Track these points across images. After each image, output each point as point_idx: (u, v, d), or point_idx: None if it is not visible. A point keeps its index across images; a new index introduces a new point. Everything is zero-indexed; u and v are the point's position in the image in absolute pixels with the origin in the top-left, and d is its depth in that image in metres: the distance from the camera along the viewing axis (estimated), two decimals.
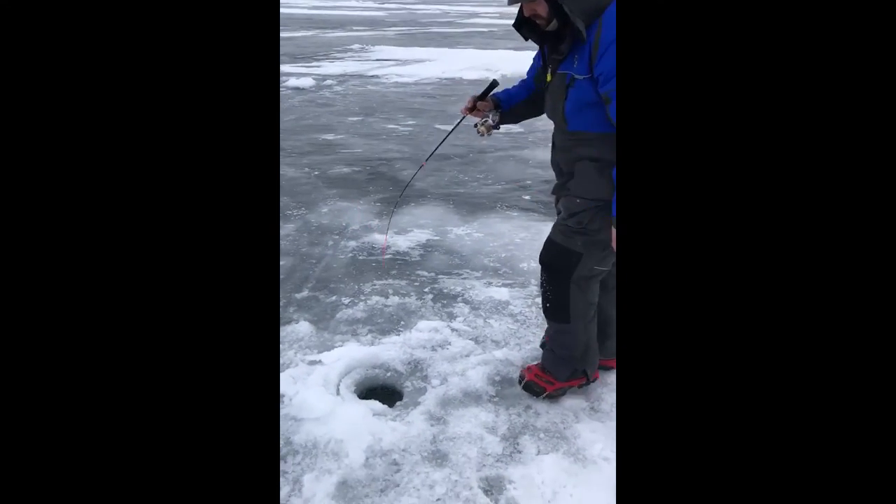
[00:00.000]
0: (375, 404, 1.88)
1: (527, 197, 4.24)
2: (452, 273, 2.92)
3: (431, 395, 1.94)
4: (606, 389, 1.97)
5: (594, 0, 1.45)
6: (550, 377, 1.88)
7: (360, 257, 3.12)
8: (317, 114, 7.43)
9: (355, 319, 2.45)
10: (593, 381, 1.93)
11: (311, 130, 6.42)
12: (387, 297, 2.64)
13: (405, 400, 1.95)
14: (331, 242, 3.32)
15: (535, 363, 1.96)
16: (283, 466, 1.64)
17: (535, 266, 3.00)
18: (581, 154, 1.63)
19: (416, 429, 1.77)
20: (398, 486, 1.57)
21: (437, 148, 2.19)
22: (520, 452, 1.71)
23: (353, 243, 3.30)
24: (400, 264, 3.03)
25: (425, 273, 2.92)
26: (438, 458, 1.67)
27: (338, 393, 1.94)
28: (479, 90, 1.84)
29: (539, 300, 2.63)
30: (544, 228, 3.52)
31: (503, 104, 1.87)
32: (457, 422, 1.81)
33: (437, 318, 2.46)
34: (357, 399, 1.92)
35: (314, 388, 1.91)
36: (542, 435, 1.78)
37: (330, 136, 6.15)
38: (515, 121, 1.95)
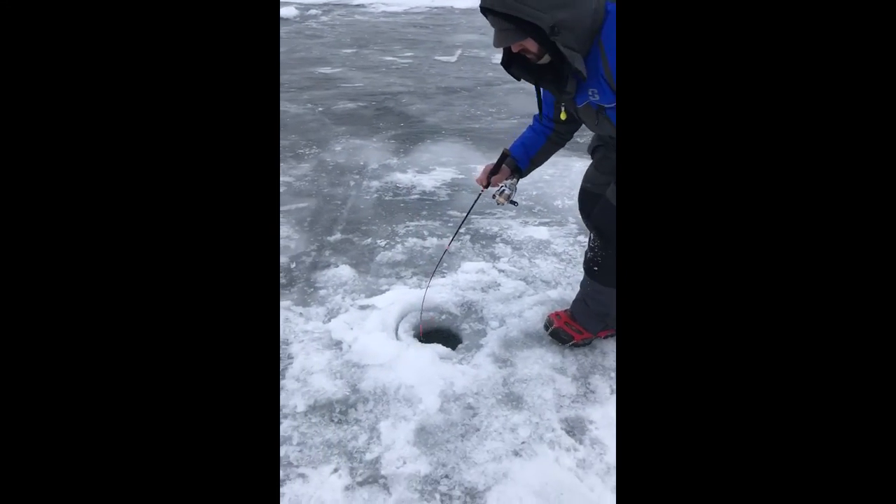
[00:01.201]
0: (439, 348, 1.82)
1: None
2: (485, 213, 2.82)
3: (492, 337, 1.89)
4: None
5: (586, 23, 1.27)
6: (580, 327, 1.82)
7: (387, 198, 2.99)
8: (307, 46, 7.02)
9: (396, 262, 2.36)
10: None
11: (305, 64, 6.07)
12: (424, 239, 2.54)
13: (466, 343, 1.90)
14: (352, 182, 3.17)
15: (564, 310, 1.89)
16: (354, 414, 1.59)
17: (570, 203, 2.93)
18: None
19: (485, 372, 1.73)
20: (479, 430, 1.54)
21: (462, 223, 2.04)
22: (593, 392, 1.68)
23: (375, 183, 3.16)
24: (429, 205, 2.92)
25: (457, 213, 2.82)
26: (514, 400, 1.64)
27: (397, 337, 1.88)
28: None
29: (580, 240, 2.56)
30: (571, 164, 3.43)
31: (520, 162, 1.72)
32: (524, 363, 1.77)
33: (481, 259, 2.38)
34: (418, 343, 1.86)
35: (374, 334, 1.84)
36: (612, 374, 1.75)
37: (327, 70, 5.82)
38: (538, 166, 1.79)
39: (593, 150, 1.79)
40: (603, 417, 1.59)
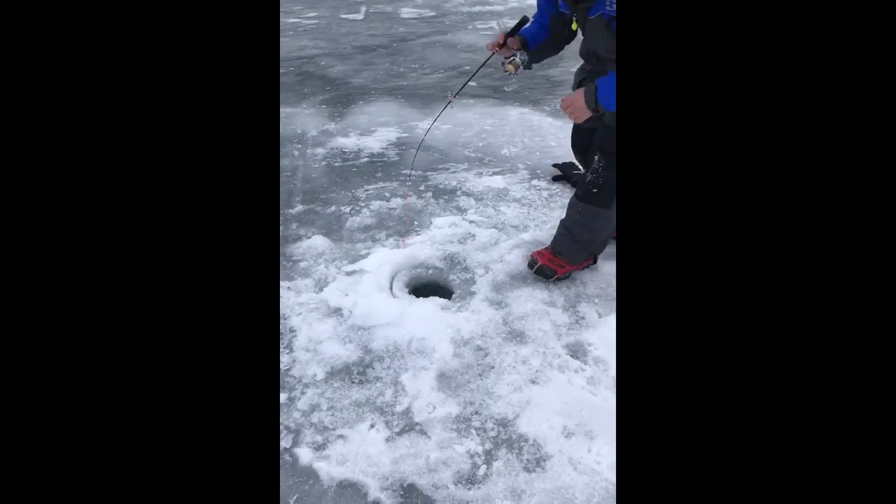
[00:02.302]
0: (437, 300, 1.90)
1: (473, 83, 4.15)
2: (439, 168, 2.88)
3: (482, 283, 1.99)
4: None
5: None
6: (562, 260, 1.95)
7: (336, 164, 2.95)
8: None
9: (367, 226, 2.38)
10: (594, 264, 2.06)
11: None
12: (388, 201, 2.57)
13: (459, 292, 1.99)
14: (296, 152, 3.09)
15: (545, 248, 2.02)
16: (373, 373, 1.65)
17: (515, 151, 3.05)
18: None
19: (485, 315, 1.84)
20: (494, 367, 1.65)
21: (466, 84, 2.02)
22: (584, 318, 1.85)
23: (320, 150, 3.10)
24: (382, 166, 2.92)
25: (412, 171, 2.85)
26: (517, 336, 1.76)
27: (393, 296, 1.94)
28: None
29: (535, 184, 2.70)
30: (508, 113, 3.54)
31: (530, 43, 1.78)
32: (517, 302, 1.90)
33: (449, 213, 2.45)
34: (417, 298, 1.93)
35: (372, 296, 1.88)
36: (596, 300, 1.92)
37: None
38: (537, 61, 1.86)
39: (578, 85, 1.90)
40: (598, 339, 1.76)
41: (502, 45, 1.74)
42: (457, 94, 2.06)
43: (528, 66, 1.73)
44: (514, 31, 1.75)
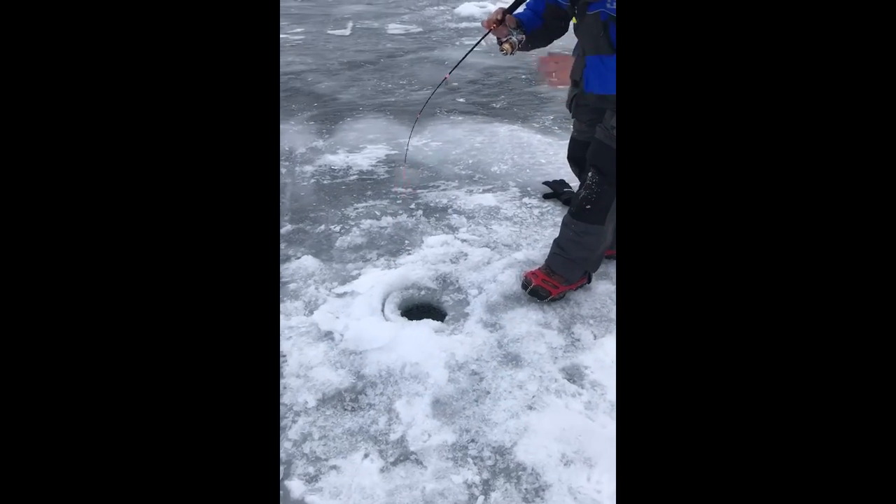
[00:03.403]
0: (430, 322, 1.87)
1: (461, 99, 4.16)
2: (429, 186, 2.86)
3: (475, 304, 1.97)
4: None
5: None
6: (556, 281, 1.93)
7: (325, 181, 2.92)
8: None
9: (358, 245, 2.34)
10: (589, 283, 2.04)
11: None
12: (378, 219, 2.54)
13: (452, 314, 1.96)
14: (284, 170, 3.05)
15: (538, 268, 1.99)
16: (366, 399, 1.61)
17: (505, 168, 3.04)
18: None
19: (479, 338, 1.81)
20: (489, 392, 1.62)
21: (462, 60, 1.99)
22: (579, 340, 1.83)
23: (309, 168, 3.07)
24: (371, 184, 2.89)
25: (402, 189, 2.83)
26: (513, 360, 1.73)
27: (386, 319, 1.90)
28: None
29: (526, 202, 2.69)
30: (497, 130, 3.54)
31: (525, 26, 1.76)
32: (511, 324, 1.87)
33: (440, 232, 2.43)
34: (409, 321, 1.89)
35: (363, 319, 1.84)
36: (591, 321, 1.90)
37: None
38: (527, 49, 1.83)
39: (570, 104, 1.91)
40: (595, 361, 1.73)
41: (500, 22, 1.69)
42: (451, 70, 2.02)
43: (524, 47, 1.70)
44: (513, 9, 1.72)
